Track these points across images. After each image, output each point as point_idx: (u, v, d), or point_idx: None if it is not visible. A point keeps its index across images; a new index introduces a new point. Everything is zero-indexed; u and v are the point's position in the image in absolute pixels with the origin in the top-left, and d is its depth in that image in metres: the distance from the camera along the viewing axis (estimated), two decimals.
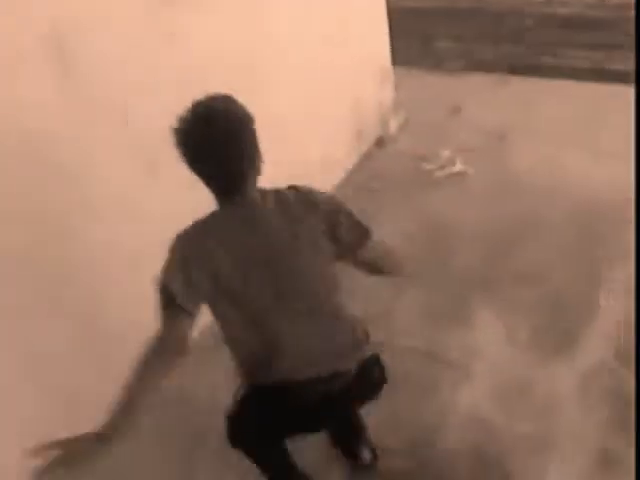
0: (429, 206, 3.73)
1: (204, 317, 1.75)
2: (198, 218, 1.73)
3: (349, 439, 2.32)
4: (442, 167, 4.01)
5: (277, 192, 1.76)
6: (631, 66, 4.92)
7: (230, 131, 1.62)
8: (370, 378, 1.91)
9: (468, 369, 2.67)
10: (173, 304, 1.63)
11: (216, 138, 1.61)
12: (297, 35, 3.44)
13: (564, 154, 4.00)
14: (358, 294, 2.39)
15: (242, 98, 1.70)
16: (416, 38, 5.73)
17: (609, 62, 5.14)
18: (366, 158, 4.24)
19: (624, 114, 4.25)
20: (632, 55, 5.08)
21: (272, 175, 1.83)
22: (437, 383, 2.63)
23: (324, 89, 3.71)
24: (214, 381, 2.57)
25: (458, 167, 4.00)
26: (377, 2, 4.22)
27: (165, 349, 1.65)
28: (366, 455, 2.32)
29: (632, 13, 5.51)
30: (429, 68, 5.27)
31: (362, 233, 1.84)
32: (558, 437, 2.40)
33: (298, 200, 1.74)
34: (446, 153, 4.11)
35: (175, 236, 1.70)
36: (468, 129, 4.40)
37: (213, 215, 1.73)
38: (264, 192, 1.74)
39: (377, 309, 2.95)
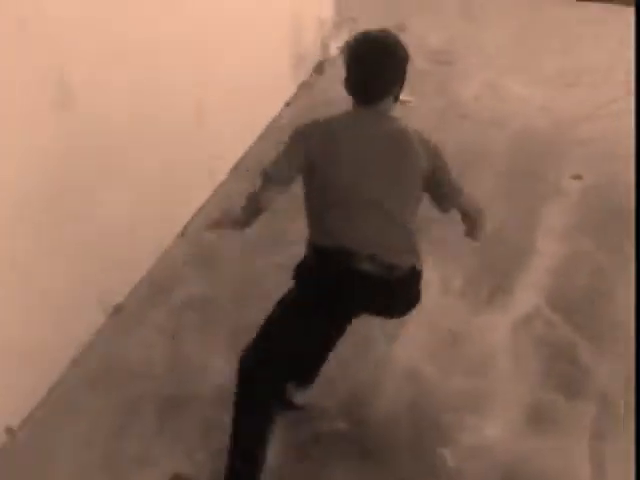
0: None
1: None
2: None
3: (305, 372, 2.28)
4: None
5: (400, 123, 2.05)
6: None
7: (386, 55, 2.01)
8: (409, 289, 2.05)
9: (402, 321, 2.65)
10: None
11: (374, 56, 2.01)
12: None
13: (505, 80, 3.90)
14: None
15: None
16: None
17: None
18: (306, 86, 4.04)
19: (565, 34, 4.19)
20: None
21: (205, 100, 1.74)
22: (370, 339, 2.62)
23: (260, 6, 3.41)
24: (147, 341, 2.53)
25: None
26: None
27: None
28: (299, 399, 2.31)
29: None
30: None
31: (456, 190, 2.11)
32: (492, 391, 2.42)
33: (416, 135, 2.03)
34: None
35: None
36: (412, 51, 4.20)
37: (346, 112, 2.06)
38: (392, 118, 2.06)
39: None
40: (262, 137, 3.62)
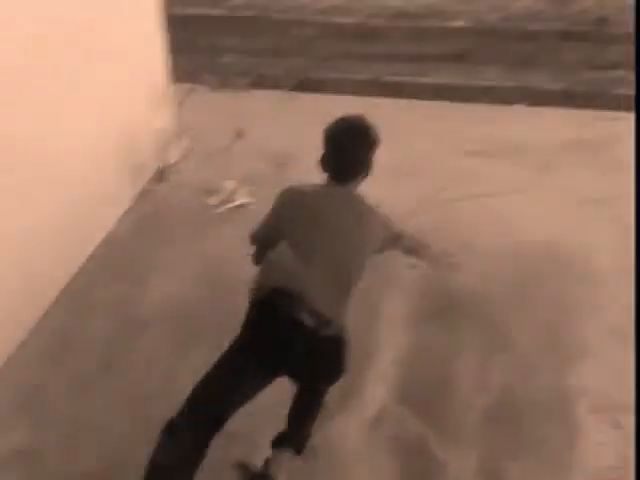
0: (212, 246, 3.54)
1: None
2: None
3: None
4: (225, 201, 3.86)
5: (364, 201, 2.38)
6: (408, 77, 5.16)
7: (361, 140, 2.34)
8: (337, 351, 2.20)
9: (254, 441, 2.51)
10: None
11: (348, 144, 2.34)
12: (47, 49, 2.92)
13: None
14: None
15: None
16: (199, 51, 5.49)
17: (387, 74, 5.27)
18: (145, 194, 3.95)
19: (403, 127, 4.40)
20: (408, 65, 5.38)
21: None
22: None
23: (90, 115, 3.31)
24: None
25: (240, 199, 3.87)
26: (148, 9, 3.81)
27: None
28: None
29: (404, 23, 5.74)
30: (214, 85, 5.08)
31: (396, 237, 2.48)
32: None
33: (376, 215, 2.38)
34: (230, 184, 3.95)
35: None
36: (253, 155, 4.27)
37: (318, 184, 2.39)
38: (358, 195, 2.38)
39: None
40: (94, 256, 3.47)
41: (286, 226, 2.29)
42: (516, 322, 3.04)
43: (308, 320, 2.08)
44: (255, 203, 3.84)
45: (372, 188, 3.74)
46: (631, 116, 3.98)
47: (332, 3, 6.11)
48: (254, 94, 4.99)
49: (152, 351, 2.93)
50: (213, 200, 3.86)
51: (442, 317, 3.11)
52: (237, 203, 3.85)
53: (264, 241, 2.38)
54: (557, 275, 3.29)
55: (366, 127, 2.37)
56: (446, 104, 4.76)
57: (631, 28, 5.28)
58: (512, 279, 3.29)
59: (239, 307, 2.22)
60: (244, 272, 3.27)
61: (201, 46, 5.54)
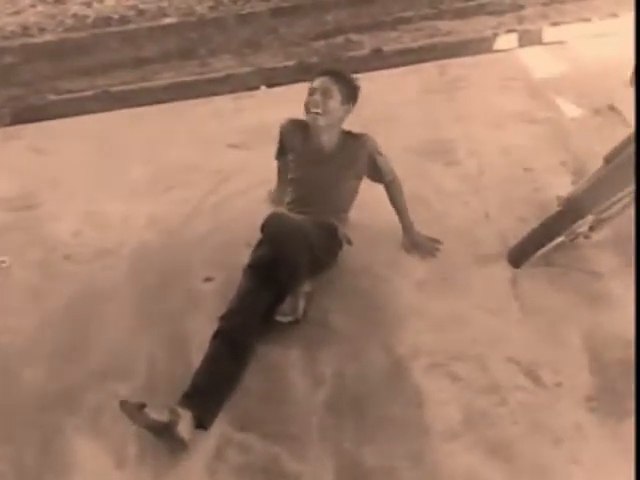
0: None
1: None
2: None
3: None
4: None
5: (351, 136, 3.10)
6: (136, 85, 4.83)
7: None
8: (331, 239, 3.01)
9: None
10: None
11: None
12: None
13: (100, 205, 3.62)
14: None
15: None
16: None
17: (112, 85, 4.87)
18: None
19: (143, 138, 4.09)
20: (132, 71, 5.06)
21: None
22: None
23: None
24: None
25: None
26: None
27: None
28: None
29: (110, 30, 5.35)
30: None
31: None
32: None
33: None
34: None
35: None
36: None
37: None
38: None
39: None
40: None
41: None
42: (331, 306, 2.94)
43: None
44: (7, 261, 3.30)
45: (139, 207, 3.51)
46: (369, 75, 4.11)
47: (21, 24, 5.49)
48: None
49: None
50: None
51: None
52: None
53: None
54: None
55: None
56: (187, 102, 4.52)
57: None
58: None
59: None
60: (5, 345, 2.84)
61: None
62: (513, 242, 3.05)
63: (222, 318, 2.72)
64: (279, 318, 2.78)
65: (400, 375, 2.62)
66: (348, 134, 3.07)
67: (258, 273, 2.84)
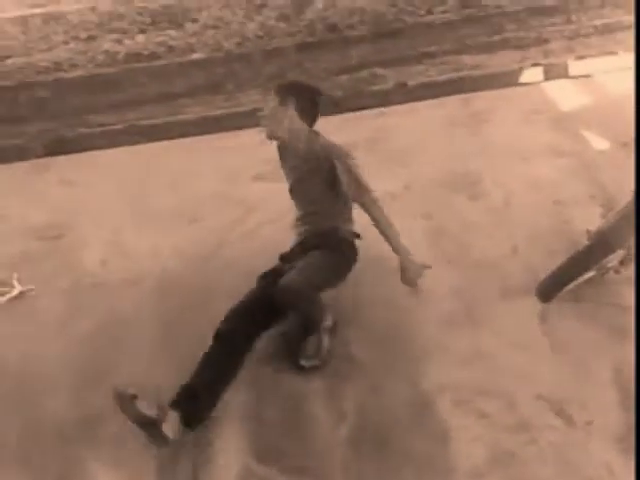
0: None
1: None
2: None
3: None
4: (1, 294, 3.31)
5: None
6: (163, 119, 4.91)
7: None
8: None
9: None
10: None
11: None
12: None
13: (127, 236, 3.65)
14: None
15: None
16: None
17: (140, 119, 4.95)
18: None
19: (170, 170, 4.14)
20: (158, 106, 5.16)
21: None
22: None
23: None
24: None
25: (17, 288, 3.32)
26: None
27: None
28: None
29: (140, 65, 5.47)
30: None
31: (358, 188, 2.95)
32: None
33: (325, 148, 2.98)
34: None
35: None
36: (16, 236, 3.73)
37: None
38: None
39: None
40: None
41: None
42: (354, 338, 2.90)
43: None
44: (35, 289, 3.33)
45: (165, 239, 3.56)
46: (393, 109, 4.14)
47: (53, 60, 5.63)
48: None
49: None
50: None
51: None
52: (14, 293, 3.31)
53: None
54: (376, 276, 3.19)
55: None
56: (213, 136, 4.58)
57: (365, 31, 5.63)
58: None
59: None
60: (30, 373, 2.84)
61: None
62: (542, 276, 2.99)
63: (222, 320, 2.74)
64: (303, 363, 2.77)
65: (425, 410, 2.57)
66: (322, 141, 3.02)
67: (268, 283, 2.85)
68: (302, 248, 2.98)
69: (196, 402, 2.53)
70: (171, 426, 2.42)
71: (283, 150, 3.15)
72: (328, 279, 2.91)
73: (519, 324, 2.88)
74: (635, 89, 3.25)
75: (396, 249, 2.92)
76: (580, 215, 3.40)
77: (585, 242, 2.96)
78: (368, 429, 2.55)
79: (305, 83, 3.25)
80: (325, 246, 2.93)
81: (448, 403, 2.59)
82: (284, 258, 3.02)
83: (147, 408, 2.39)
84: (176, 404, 2.50)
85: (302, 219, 3.08)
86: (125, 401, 2.40)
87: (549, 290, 2.94)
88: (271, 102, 2.99)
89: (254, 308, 2.78)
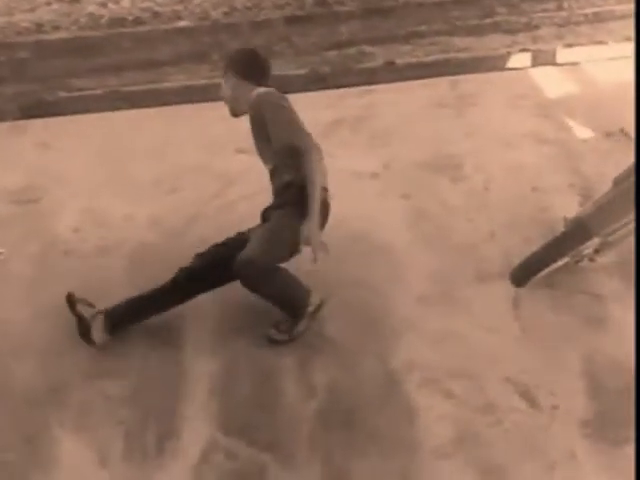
0: None
1: None
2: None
3: None
4: None
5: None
6: (145, 86, 4.83)
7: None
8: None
9: None
10: None
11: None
12: None
13: (103, 203, 3.60)
14: None
15: None
16: None
17: (123, 85, 4.86)
18: None
19: (150, 139, 4.08)
20: (141, 73, 5.08)
21: None
22: None
23: None
24: None
25: None
26: None
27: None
28: None
29: (124, 30, 5.36)
30: None
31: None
32: None
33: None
34: None
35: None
36: None
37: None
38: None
39: None
40: None
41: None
42: (328, 316, 2.88)
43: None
44: (5, 252, 3.28)
45: (141, 208, 3.51)
46: (380, 88, 4.10)
47: (35, 21, 5.50)
48: None
49: None
50: None
51: (246, 331, 2.86)
52: None
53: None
54: (353, 254, 3.20)
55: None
56: (197, 106, 4.51)
57: (354, 7, 5.57)
58: None
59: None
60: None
61: None
62: (517, 261, 3.00)
63: (182, 268, 2.89)
64: (271, 334, 2.76)
65: (393, 388, 2.58)
66: (254, 94, 2.94)
67: (228, 248, 2.87)
68: (267, 212, 2.94)
69: (121, 314, 2.82)
70: (96, 328, 2.76)
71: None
72: (286, 243, 2.71)
73: (492, 308, 2.90)
74: (635, 81, 3.23)
75: (309, 214, 2.69)
76: (559, 203, 3.40)
77: (562, 229, 2.97)
78: (337, 405, 2.56)
79: (237, 49, 3.24)
80: (285, 204, 2.84)
81: (417, 382, 2.60)
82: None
83: (85, 311, 2.79)
84: (105, 311, 2.81)
85: (270, 181, 3.01)
86: (73, 301, 2.81)
87: (523, 275, 2.96)
88: (222, 83, 3.06)
89: (210, 269, 2.86)
